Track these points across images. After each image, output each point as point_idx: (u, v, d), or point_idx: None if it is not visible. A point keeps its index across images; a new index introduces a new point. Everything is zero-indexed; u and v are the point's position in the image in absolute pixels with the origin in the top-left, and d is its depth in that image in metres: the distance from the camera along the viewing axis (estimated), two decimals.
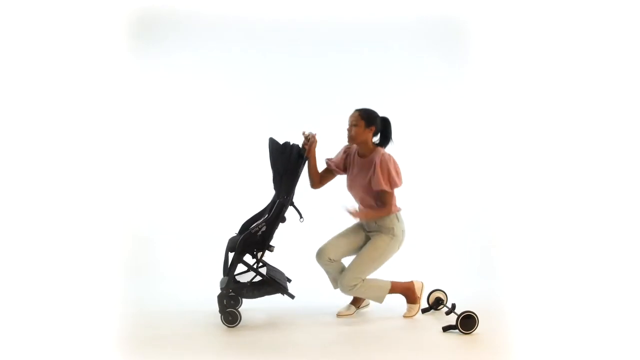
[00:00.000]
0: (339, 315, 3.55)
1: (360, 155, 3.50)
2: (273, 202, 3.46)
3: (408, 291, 3.57)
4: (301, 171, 3.37)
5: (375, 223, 3.48)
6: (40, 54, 4.37)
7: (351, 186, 3.55)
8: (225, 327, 3.32)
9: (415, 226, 4.71)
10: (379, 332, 3.31)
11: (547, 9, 4.51)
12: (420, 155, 4.82)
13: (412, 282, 3.59)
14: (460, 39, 4.79)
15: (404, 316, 3.54)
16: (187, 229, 4.73)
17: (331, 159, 3.61)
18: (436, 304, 3.69)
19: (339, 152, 3.62)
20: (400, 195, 4.64)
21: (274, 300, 3.79)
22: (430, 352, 3.03)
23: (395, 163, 3.41)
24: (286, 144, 3.34)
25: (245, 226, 3.52)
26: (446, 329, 3.29)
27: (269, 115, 4.79)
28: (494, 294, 4.02)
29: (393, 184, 3.39)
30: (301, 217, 3.38)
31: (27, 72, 4.32)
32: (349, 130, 3.45)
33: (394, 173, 3.37)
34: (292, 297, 3.39)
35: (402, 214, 3.53)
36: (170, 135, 4.89)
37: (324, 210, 3.82)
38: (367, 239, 3.54)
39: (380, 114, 3.48)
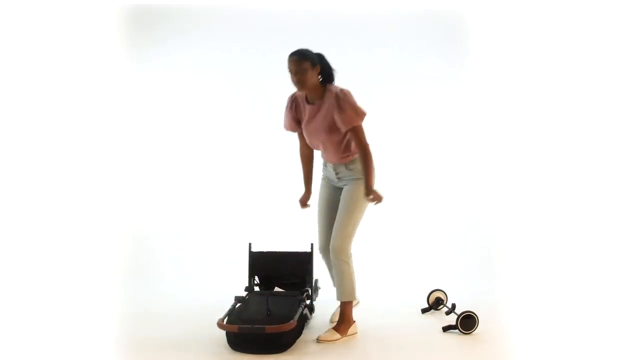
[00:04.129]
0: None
1: (310, 102, 3.19)
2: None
3: (347, 318, 3.25)
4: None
5: (346, 167, 3.22)
6: (37, 54, 4.35)
7: (311, 135, 3.23)
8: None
9: (416, 226, 4.78)
10: (378, 331, 3.30)
11: (547, 9, 4.51)
12: (420, 155, 4.82)
13: (354, 321, 3.29)
14: (460, 39, 4.79)
15: (319, 338, 3.16)
16: (187, 229, 4.73)
17: (284, 125, 3.35)
18: (436, 304, 3.68)
19: (285, 114, 3.31)
20: (401, 195, 4.69)
21: None
22: (430, 352, 3.03)
23: (351, 94, 3.11)
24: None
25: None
26: (446, 329, 3.29)
27: (269, 115, 4.75)
28: (494, 294, 4.02)
29: (361, 114, 3.09)
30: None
31: (25, 73, 4.30)
32: (295, 78, 3.08)
33: (356, 104, 3.09)
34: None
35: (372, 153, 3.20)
36: (170, 135, 4.88)
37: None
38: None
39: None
